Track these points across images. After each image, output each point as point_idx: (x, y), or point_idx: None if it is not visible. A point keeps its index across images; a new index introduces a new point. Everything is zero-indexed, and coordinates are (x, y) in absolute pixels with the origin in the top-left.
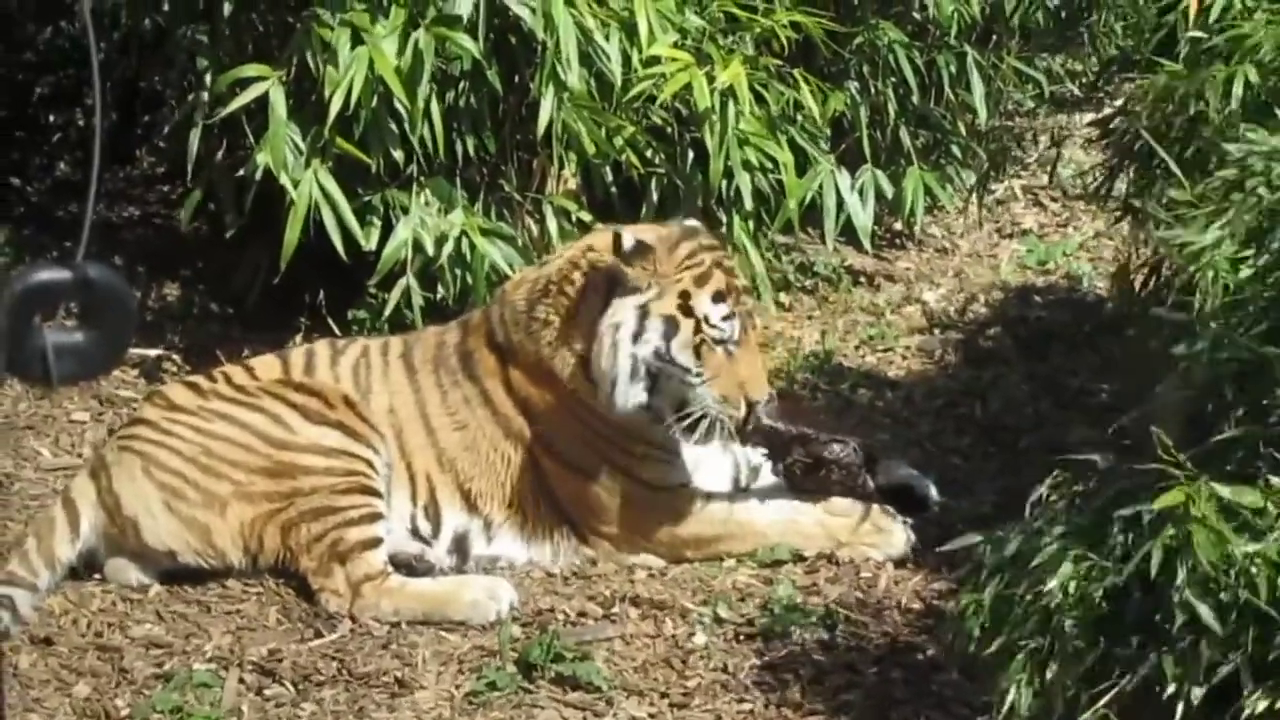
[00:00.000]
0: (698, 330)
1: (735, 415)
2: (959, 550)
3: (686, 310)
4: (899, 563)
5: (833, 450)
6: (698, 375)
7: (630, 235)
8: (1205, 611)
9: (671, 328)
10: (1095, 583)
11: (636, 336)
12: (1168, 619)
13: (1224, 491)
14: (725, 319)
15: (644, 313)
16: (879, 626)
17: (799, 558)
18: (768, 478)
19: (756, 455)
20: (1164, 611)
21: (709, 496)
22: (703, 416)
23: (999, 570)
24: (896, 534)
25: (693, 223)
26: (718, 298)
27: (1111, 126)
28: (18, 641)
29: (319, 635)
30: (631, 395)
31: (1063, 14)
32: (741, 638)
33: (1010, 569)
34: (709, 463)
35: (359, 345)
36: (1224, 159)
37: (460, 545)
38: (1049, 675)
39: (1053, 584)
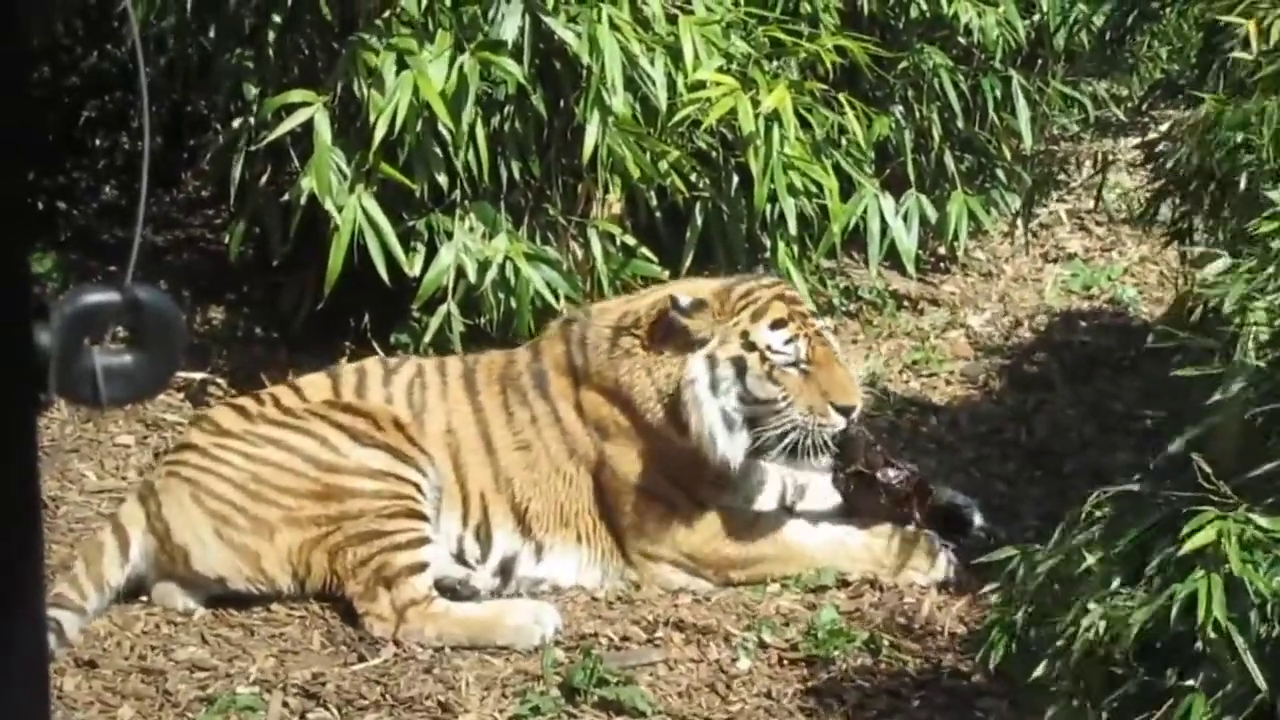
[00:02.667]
0: (764, 360)
1: (827, 424)
2: (996, 567)
3: (750, 346)
4: (943, 588)
5: (887, 474)
6: (784, 399)
7: (685, 296)
8: (1239, 652)
9: (740, 367)
10: (1135, 611)
11: (714, 387)
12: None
13: (1263, 521)
14: (788, 342)
15: (713, 362)
16: (923, 652)
17: (843, 582)
18: (814, 498)
19: (804, 474)
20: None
21: (758, 516)
22: (794, 431)
23: (1032, 590)
24: (938, 559)
25: (762, 274)
26: (776, 325)
27: (1157, 151)
28: (63, 664)
29: (362, 659)
30: (735, 446)
31: (1108, 37)
32: (785, 663)
33: (1046, 592)
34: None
35: (413, 364)
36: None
37: (506, 567)
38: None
39: (1093, 615)
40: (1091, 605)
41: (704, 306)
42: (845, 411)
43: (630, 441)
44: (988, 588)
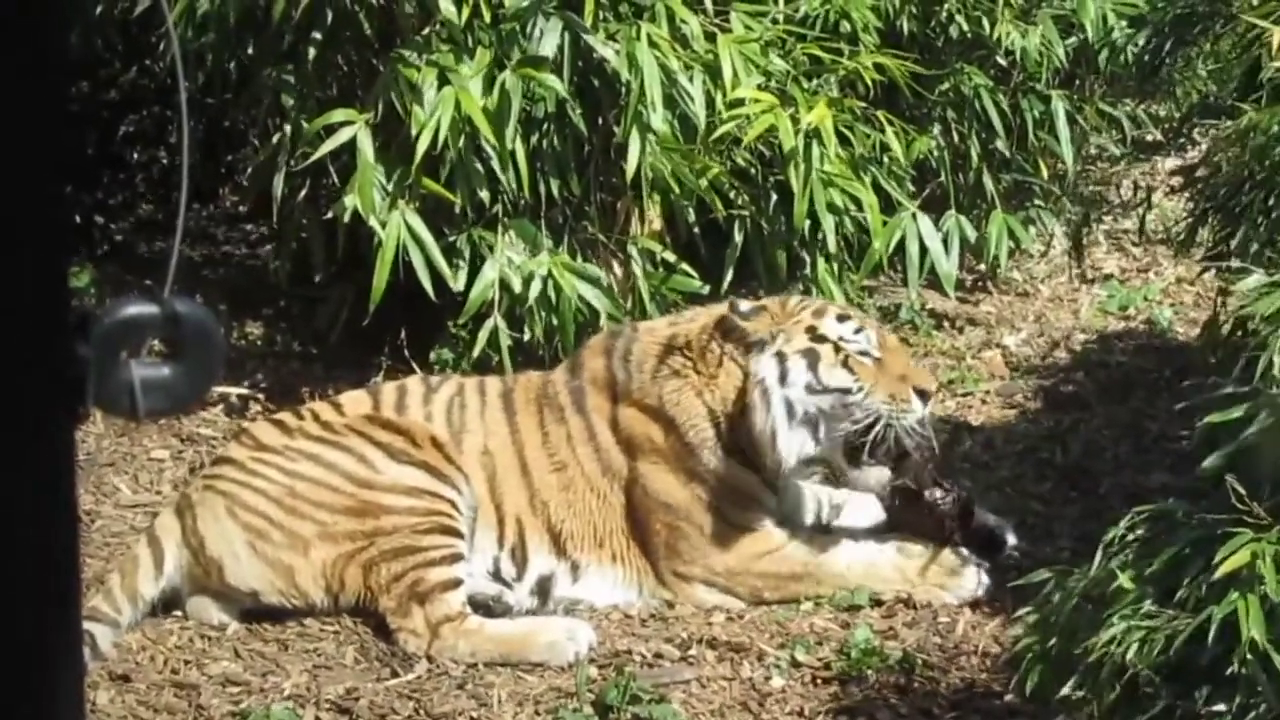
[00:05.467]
0: (837, 350)
1: (910, 410)
2: (1032, 590)
3: (819, 338)
4: (976, 607)
5: (934, 494)
6: (859, 388)
7: (744, 302)
8: (1265, 682)
9: (812, 358)
10: (1163, 629)
11: (783, 379)
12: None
13: None
14: (857, 331)
15: (781, 358)
16: (957, 671)
17: (876, 601)
18: (851, 514)
19: (840, 493)
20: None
21: (791, 536)
22: (878, 424)
23: (1066, 609)
24: (969, 577)
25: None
26: (842, 319)
27: (1196, 174)
28: (96, 678)
29: (396, 675)
30: (795, 445)
31: (1146, 60)
32: (818, 681)
33: (1078, 610)
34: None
35: (454, 383)
36: None
37: (543, 587)
38: None
39: (1118, 628)
40: (1118, 623)
41: (763, 310)
42: (924, 396)
43: (663, 460)
44: (1022, 611)
